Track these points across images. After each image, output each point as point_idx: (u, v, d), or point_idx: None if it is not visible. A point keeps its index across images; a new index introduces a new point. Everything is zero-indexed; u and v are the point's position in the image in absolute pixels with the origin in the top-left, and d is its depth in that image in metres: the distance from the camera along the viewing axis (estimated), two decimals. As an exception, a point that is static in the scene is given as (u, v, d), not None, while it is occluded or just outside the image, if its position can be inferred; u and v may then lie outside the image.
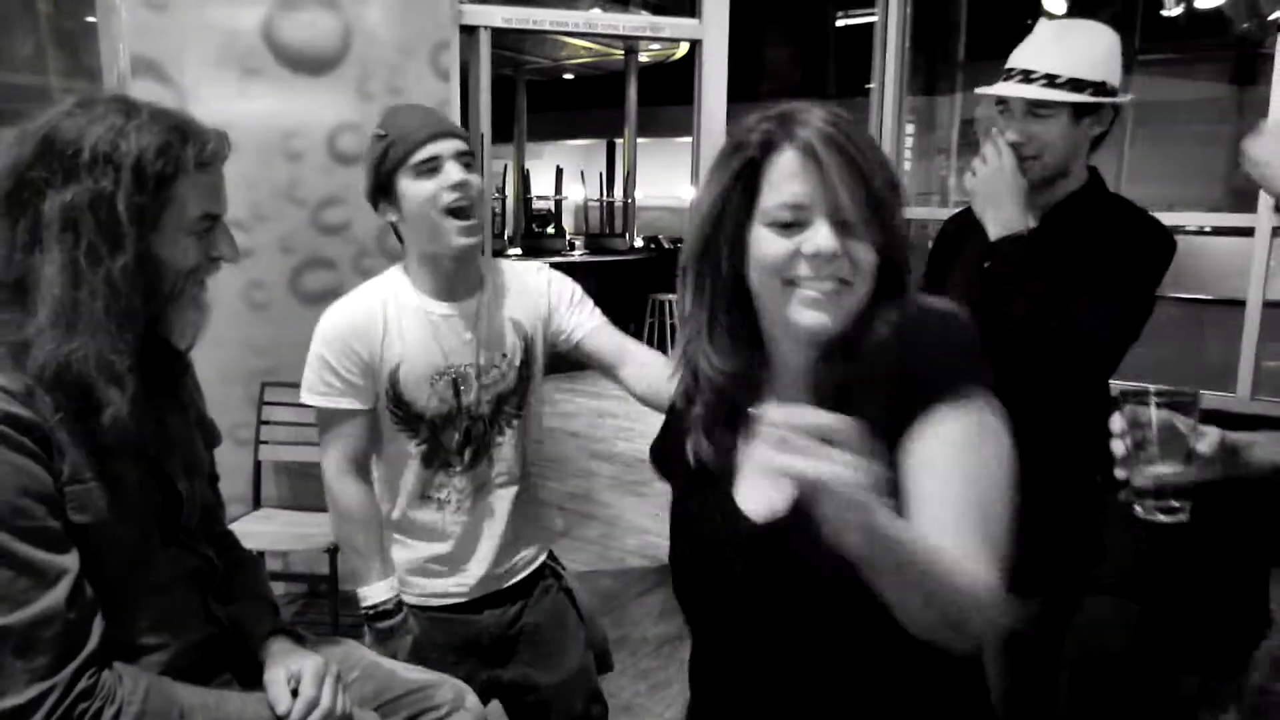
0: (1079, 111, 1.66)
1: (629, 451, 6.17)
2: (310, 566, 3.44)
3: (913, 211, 4.49)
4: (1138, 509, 1.20)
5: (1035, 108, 1.66)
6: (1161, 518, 1.18)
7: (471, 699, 1.60)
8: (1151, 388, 1.17)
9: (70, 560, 1.14)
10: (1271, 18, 6.53)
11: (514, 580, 1.87)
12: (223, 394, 3.38)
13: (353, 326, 1.67)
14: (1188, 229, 5.98)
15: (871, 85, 4.42)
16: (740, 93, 4.13)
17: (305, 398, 1.70)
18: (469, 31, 3.56)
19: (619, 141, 13.66)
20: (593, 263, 10.19)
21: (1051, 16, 1.79)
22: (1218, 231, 5.57)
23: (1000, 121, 1.72)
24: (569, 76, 14.10)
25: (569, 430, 6.73)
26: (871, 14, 4.46)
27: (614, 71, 12.55)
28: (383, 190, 1.65)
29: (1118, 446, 1.20)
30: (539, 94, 13.93)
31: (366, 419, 1.70)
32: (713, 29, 3.80)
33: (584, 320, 1.85)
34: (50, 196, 1.14)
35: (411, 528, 1.80)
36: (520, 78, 12.86)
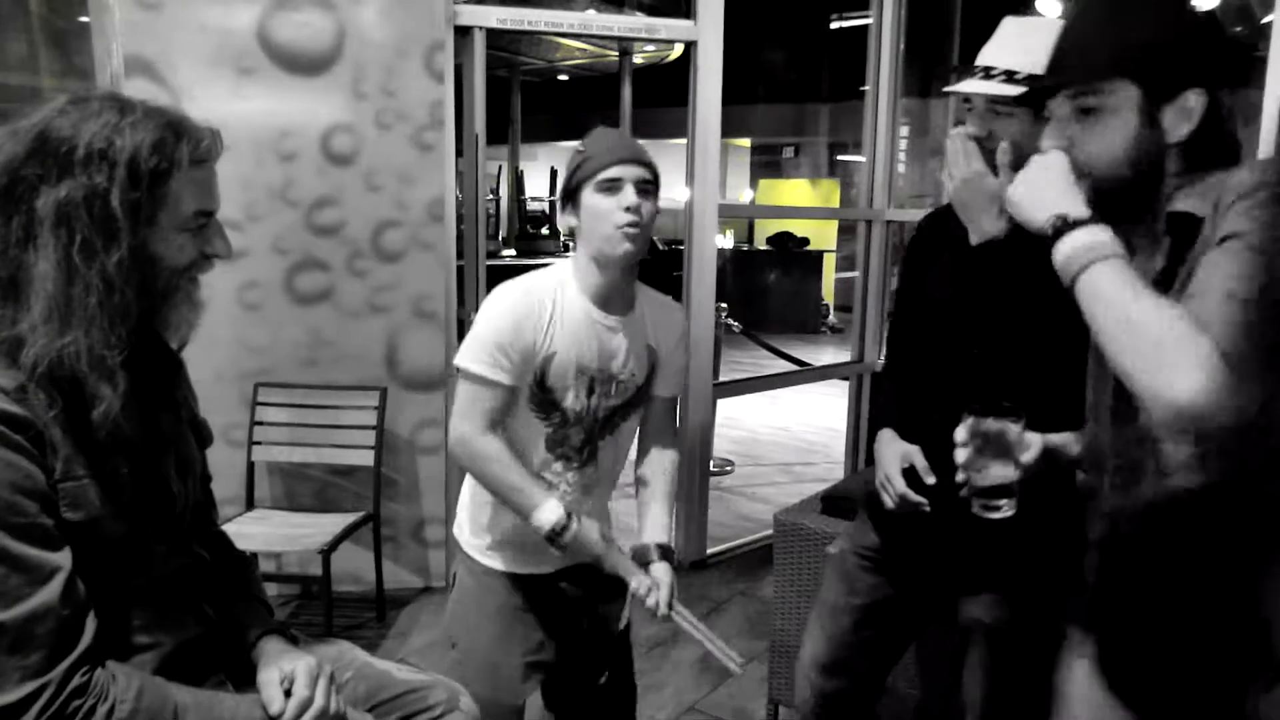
0: (1039, 108, 1.68)
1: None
2: (303, 567, 3.44)
3: (908, 214, 4.51)
4: (973, 507, 1.44)
5: (995, 104, 1.69)
6: (991, 515, 1.43)
7: (465, 700, 1.60)
8: (993, 404, 1.41)
9: (63, 558, 1.14)
10: (1263, 21, 6.55)
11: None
12: (216, 394, 3.38)
13: (529, 308, 1.80)
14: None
15: (866, 87, 4.43)
16: (735, 95, 4.13)
17: (467, 364, 1.80)
18: (463, 32, 3.55)
19: (613, 143, 13.63)
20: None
21: (1027, 12, 1.78)
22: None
23: (966, 120, 1.75)
24: (564, 78, 14.09)
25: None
26: (866, 16, 4.47)
27: (609, 73, 12.54)
28: (569, 197, 1.82)
29: (960, 454, 1.39)
30: (534, 95, 13.91)
31: (511, 394, 1.81)
32: (708, 31, 3.80)
33: (672, 389, 2.04)
34: (44, 193, 1.14)
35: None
36: (515, 79, 12.84)
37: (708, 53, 3.82)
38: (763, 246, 13.91)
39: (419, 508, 3.73)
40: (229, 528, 2.86)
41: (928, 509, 1.75)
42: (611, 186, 1.76)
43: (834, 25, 12.22)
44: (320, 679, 1.35)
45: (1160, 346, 1.01)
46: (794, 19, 13.23)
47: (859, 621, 1.99)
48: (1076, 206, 1.19)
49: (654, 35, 4.03)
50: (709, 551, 4.22)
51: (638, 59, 11.80)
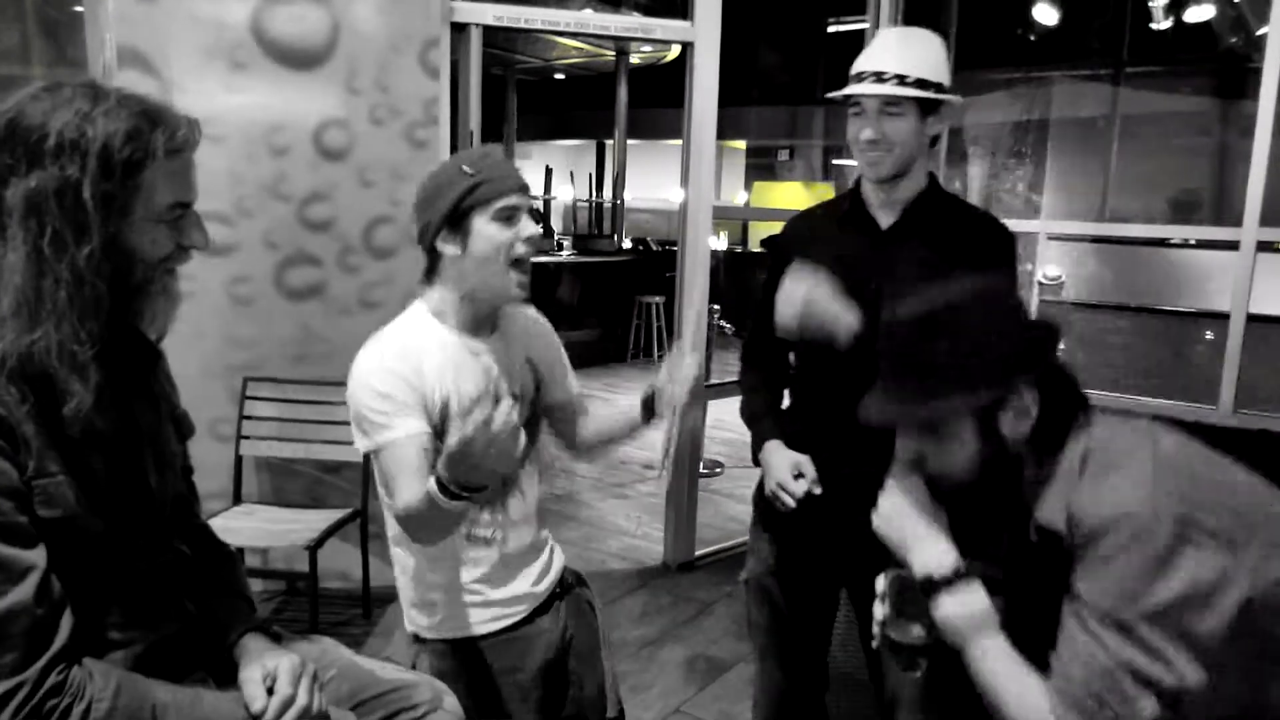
0: (924, 110, 1.81)
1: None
2: (289, 563, 3.43)
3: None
4: (894, 661, 1.41)
5: (888, 106, 1.79)
6: (904, 671, 1.40)
7: (450, 700, 1.59)
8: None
9: (37, 556, 1.12)
10: (1259, 33, 6.57)
11: (550, 587, 1.89)
12: (204, 388, 3.37)
13: (401, 361, 1.64)
14: (1172, 241, 6.02)
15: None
16: (731, 97, 4.13)
17: (365, 443, 1.63)
18: (459, 29, 3.54)
19: (609, 143, 13.65)
20: (580, 263, 10.18)
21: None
22: (1202, 245, 5.61)
23: (852, 124, 1.86)
24: (560, 77, 14.09)
25: (550, 432, 6.70)
26: (863, 21, 4.47)
27: (605, 73, 12.55)
28: (452, 223, 1.65)
29: (878, 610, 1.39)
30: (529, 94, 13.92)
31: (430, 439, 1.62)
32: (705, 32, 3.80)
33: (573, 385, 1.99)
34: (14, 184, 1.12)
35: (460, 561, 1.79)
36: (511, 77, 12.84)
37: (704, 54, 3.81)
38: (756, 249, 13.91)
39: (407, 505, 3.71)
40: (215, 523, 2.85)
41: (818, 491, 1.87)
42: (511, 216, 1.65)
43: (831, 29, 12.22)
44: (303, 677, 1.34)
45: None
46: (791, 21, 13.24)
47: (793, 631, 2.09)
48: (941, 556, 1.29)
49: (650, 35, 4.03)
50: (697, 553, 4.21)
51: (634, 59, 11.79)
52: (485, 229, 1.65)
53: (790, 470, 1.88)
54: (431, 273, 1.73)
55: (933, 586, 1.27)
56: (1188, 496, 1.16)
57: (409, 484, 1.57)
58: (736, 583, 3.94)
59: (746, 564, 2.15)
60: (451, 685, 1.68)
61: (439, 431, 1.65)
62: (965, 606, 1.24)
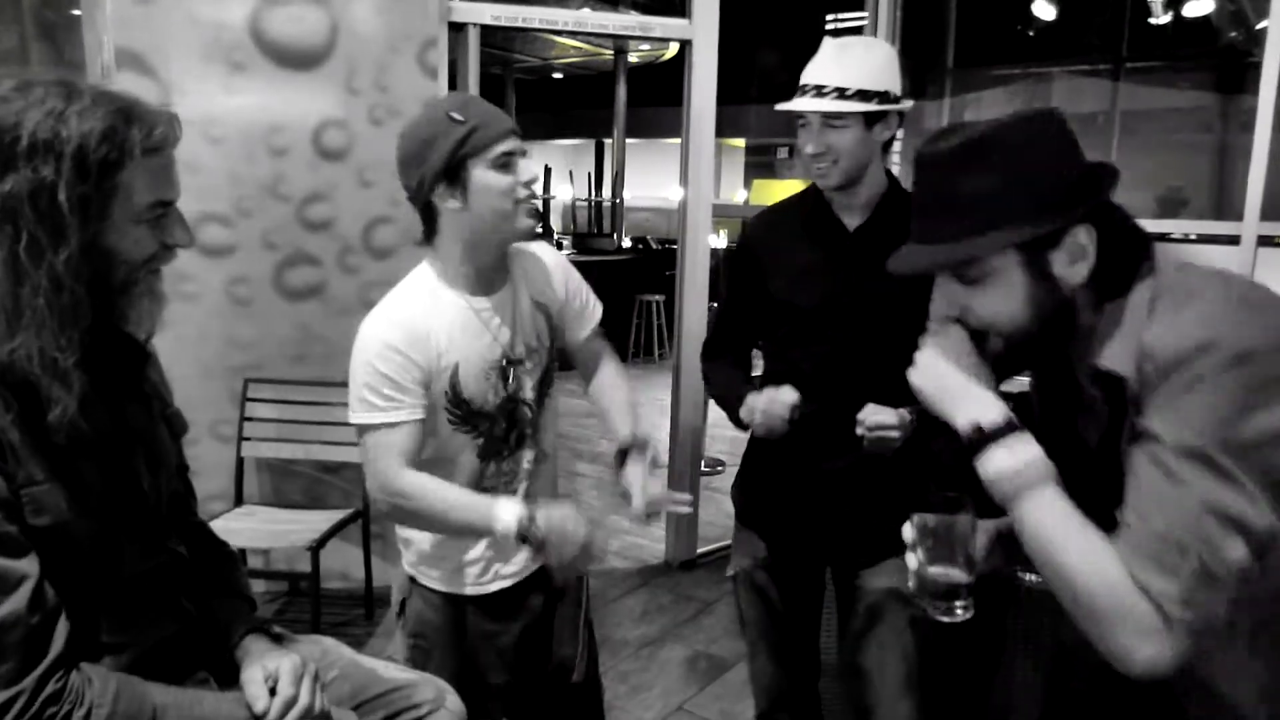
0: (869, 120, 1.81)
1: (612, 452, 6.14)
2: (291, 564, 3.43)
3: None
4: (928, 610, 1.30)
5: (830, 119, 1.80)
6: (945, 619, 1.28)
7: (452, 699, 1.59)
8: (942, 497, 1.27)
9: (29, 565, 1.11)
10: (1258, 27, 6.57)
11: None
12: (205, 389, 3.37)
13: (406, 335, 1.64)
14: (1172, 236, 6.01)
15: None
16: (730, 95, 4.12)
17: (360, 418, 1.64)
18: (457, 28, 3.54)
19: (608, 142, 13.64)
20: (580, 262, 10.04)
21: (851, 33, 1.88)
22: (1203, 239, 5.60)
23: (800, 135, 1.86)
24: (558, 76, 14.08)
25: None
26: (861, 17, 4.47)
27: (603, 71, 12.54)
28: (450, 174, 1.61)
29: (910, 559, 1.29)
30: (528, 93, 13.90)
31: (421, 426, 1.66)
32: (703, 30, 3.79)
33: (586, 326, 1.94)
34: None
35: None
36: (509, 76, 12.83)
37: (702, 52, 3.81)
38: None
39: (408, 505, 3.71)
40: (217, 524, 2.84)
41: (803, 408, 1.83)
42: (507, 162, 1.62)
43: (829, 26, 12.22)
44: (305, 677, 1.33)
45: (1108, 617, 1.02)
46: (789, 19, 13.22)
47: (785, 623, 2.10)
48: (989, 407, 1.13)
49: (649, 34, 4.02)
50: (699, 551, 4.22)
51: (632, 58, 11.78)
52: (484, 177, 1.61)
53: (767, 398, 1.84)
54: (431, 231, 1.71)
55: (982, 439, 1.11)
56: (1274, 328, 1.03)
57: (388, 468, 1.62)
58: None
59: (732, 560, 2.16)
60: (432, 636, 1.81)
61: (450, 396, 1.68)
62: (1018, 457, 1.09)
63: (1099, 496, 1.08)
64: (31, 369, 1.09)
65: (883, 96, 1.80)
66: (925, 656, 1.93)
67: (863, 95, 1.78)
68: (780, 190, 15.37)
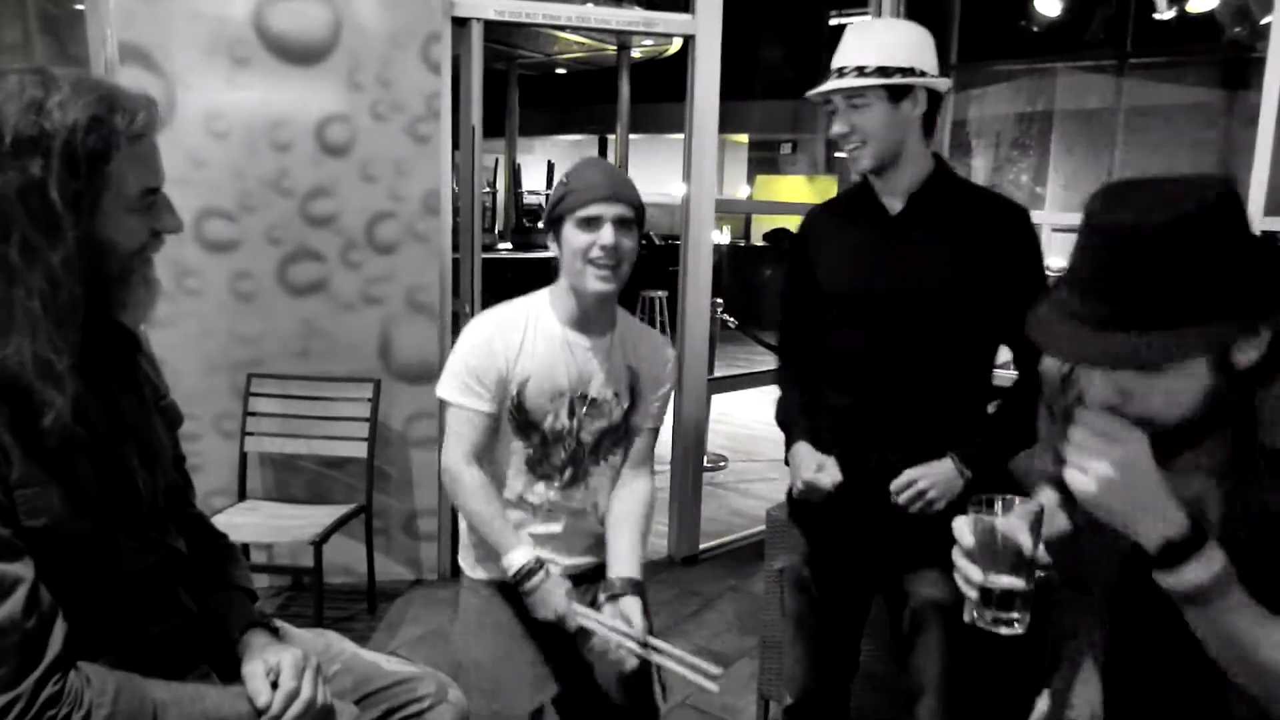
0: (893, 96, 1.81)
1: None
2: (294, 558, 3.44)
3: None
4: (977, 619, 1.21)
5: (852, 99, 1.82)
6: (1001, 630, 1.19)
7: (454, 692, 1.60)
8: (998, 498, 1.18)
9: (24, 568, 1.09)
10: (1263, 22, 6.55)
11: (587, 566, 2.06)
12: (208, 384, 3.37)
13: (499, 336, 1.88)
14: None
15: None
16: (733, 91, 4.12)
17: (444, 393, 1.90)
18: (461, 24, 3.54)
19: (611, 138, 13.63)
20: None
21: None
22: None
23: (831, 121, 1.88)
24: (561, 71, 14.05)
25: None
26: (865, 13, 4.46)
27: (607, 67, 12.51)
28: (552, 227, 1.88)
29: (960, 561, 1.22)
30: (531, 88, 13.87)
31: (492, 420, 1.89)
32: (706, 26, 3.79)
33: (648, 421, 2.04)
34: None
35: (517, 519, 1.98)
36: (512, 72, 12.80)
37: (705, 47, 3.81)
38: (759, 242, 13.90)
39: (411, 500, 3.73)
40: (220, 519, 2.85)
41: (840, 479, 1.88)
42: (591, 223, 1.81)
43: (832, 21, 12.20)
44: (307, 670, 1.33)
45: None
46: (792, 15, 13.20)
47: (824, 621, 2.10)
48: (1179, 521, 1.02)
49: (652, 29, 4.01)
50: (701, 547, 4.22)
51: (636, 53, 11.77)
52: (570, 234, 1.83)
53: (815, 466, 1.91)
54: (558, 267, 1.93)
55: (1174, 554, 1.02)
56: None
57: (456, 453, 1.89)
58: (741, 577, 3.96)
59: (779, 554, 2.17)
60: (483, 613, 1.95)
61: (517, 402, 1.88)
62: (1211, 571, 1.00)
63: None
64: (24, 374, 1.07)
65: (905, 72, 1.80)
66: (967, 666, 1.92)
67: (882, 72, 1.79)
68: (783, 186, 15.35)
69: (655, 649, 1.79)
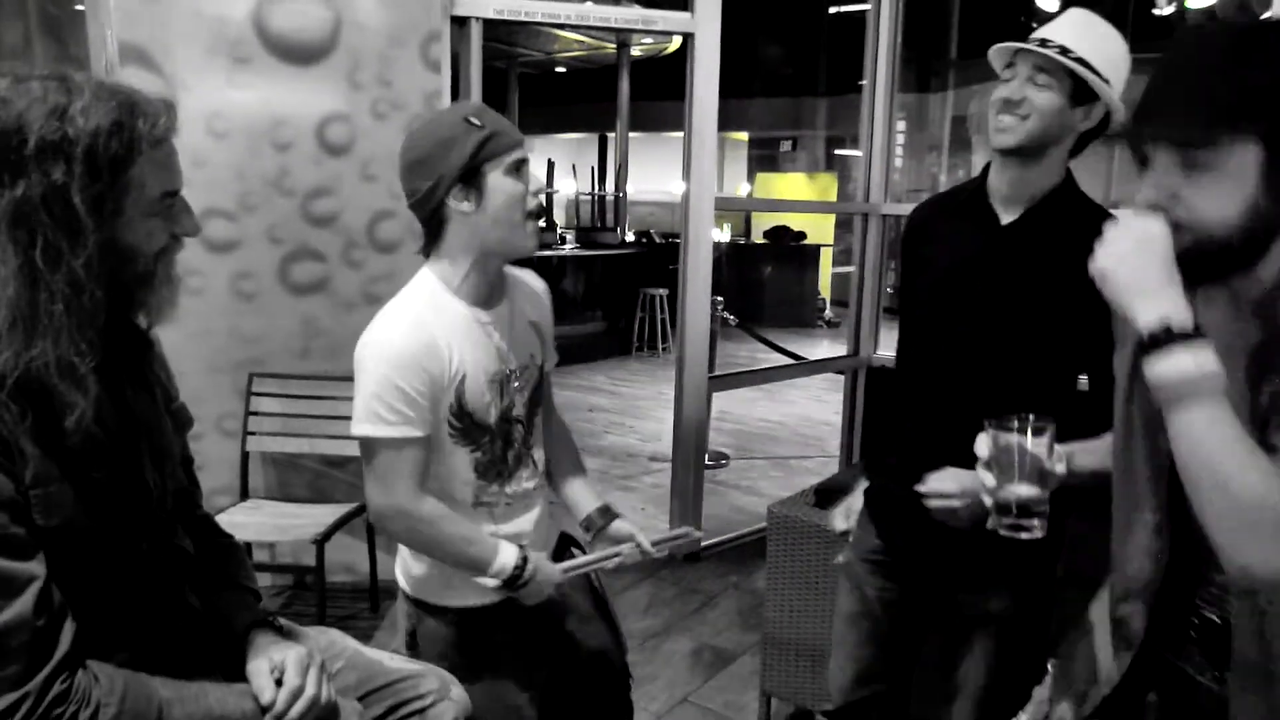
0: (1077, 95, 1.68)
1: (617, 445, 6.17)
2: (297, 557, 3.44)
3: (904, 208, 4.50)
4: (998, 527, 1.32)
5: (1039, 73, 1.67)
6: (1020, 535, 1.31)
7: (456, 690, 1.60)
8: (1014, 417, 1.30)
9: (36, 566, 1.10)
10: (1263, 17, 6.55)
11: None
12: (210, 384, 3.38)
13: (422, 345, 1.63)
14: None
15: (864, 82, 4.43)
16: (732, 88, 4.13)
17: (368, 430, 1.62)
18: (460, 22, 3.54)
19: (611, 136, 13.64)
20: (584, 256, 10.16)
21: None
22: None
23: (1000, 87, 1.72)
24: (561, 70, 14.07)
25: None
26: (864, 4, 4.46)
27: (606, 65, 12.53)
28: (468, 178, 1.62)
29: (982, 473, 1.31)
30: (531, 87, 13.89)
31: (428, 443, 1.67)
32: (705, 23, 3.79)
33: (551, 359, 1.93)
34: None
35: None
36: (512, 70, 12.82)
37: (705, 45, 3.81)
38: (759, 240, 13.91)
39: (413, 499, 3.72)
40: (222, 518, 2.85)
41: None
42: (520, 168, 1.64)
43: (832, 9, 12.20)
44: (311, 667, 1.34)
45: (1255, 519, 0.97)
46: (792, 13, 13.21)
47: (877, 623, 2.01)
48: (1180, 309, 1.04)
49: (651, 27, 4.02)
50: (704, 544, 4.22)
51: (635, 51, 11.76)
52: (500, 183, 1.63)
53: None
54: (436, 238, 1.71)
55: (1167, 338, 1.02)
56: None
57: (406, 490, 1.64)
58: (743, 574, 3.96)
59: (846, 547, 2.10)
60: (450, 653, 1.76)
61: (454, 408, 1.68)
62: (1200, 364, 1.01)
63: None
64: (49, 376, 1.08)
65: (1103, 80, 1.67)
66: (1012, 680, 1.80)
67: (1083, 64, 1.66)
68: (783, 184, 15.35)
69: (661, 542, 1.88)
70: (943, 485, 1.67)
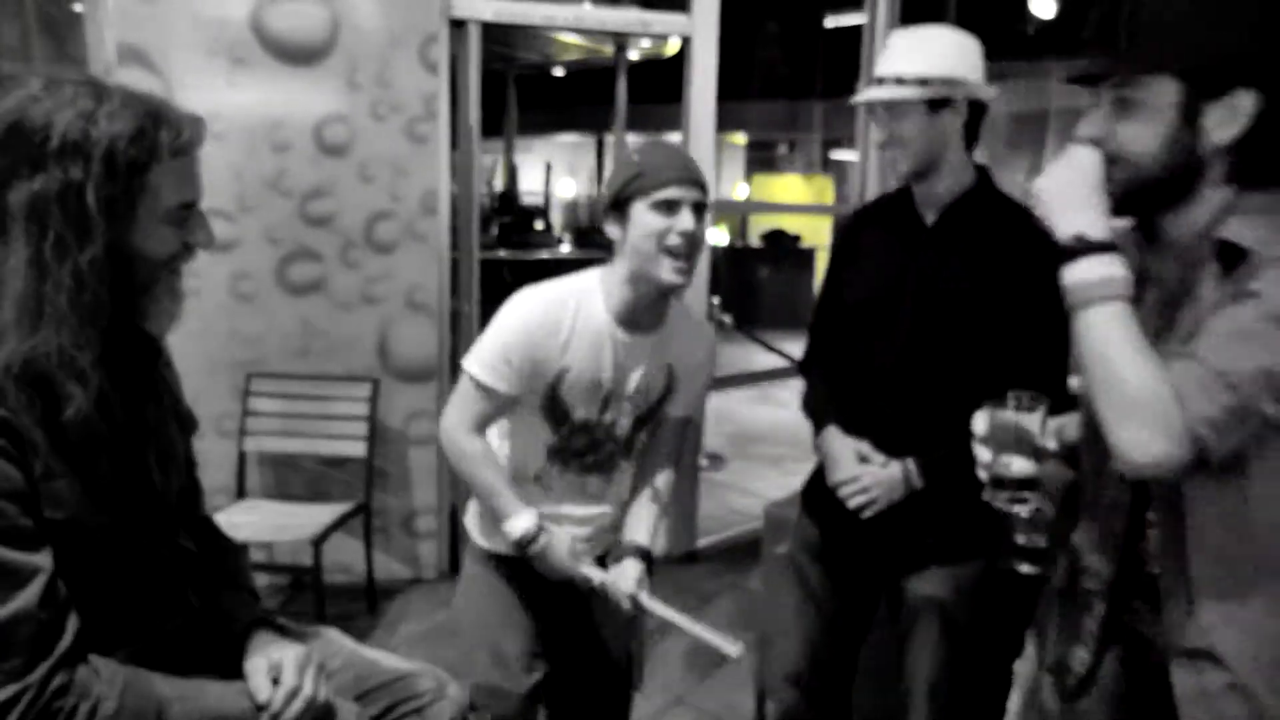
0: (932, 106, 1.78)
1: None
2: (294, 557, 3.44)
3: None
4: (994, 502, 1.38)
5: (891, 107, 1.80)
6: (1016, 509, 1.37)
7: (453, 689, 1.61)
8: (1010, 395, 1.36)
9: (43, 559, 1.11)
10: None
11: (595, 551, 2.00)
12: (208, 384, 3.38)
13: (547, 327, 1.77)
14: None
15: (860, 84, 4.44)
16: (730, 91, 4.13)
17: (470, 363, 1.80)
18: (459, 25, 3.55)
19: (609, 138, 13.64)
20: (581, 258, 10.18)
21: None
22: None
23: (874, 124, 1.87)
24: (559, 72, 14.05)
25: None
26: (860, 15, 4.47)
27: (604, 68, 12.52)
28: (617, 208, 1.75)
29: (980, 449, 1.38)
30: (529, 89, 13.86)
31: (509, 402, 1.82)
32: (703, 26, 3.81)
33: (680, 410, 1.98)
34: (17, 187, 1.09)
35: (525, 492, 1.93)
36: (510, 73, 12.80)
37: (702, 48, 3.82)
38: (756, 243, 13.91)
39: (410, 499, 3.74)
40: (220, 518, 2.85)
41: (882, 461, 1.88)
42: (669, 207, 1.71)
43: (828, 23, 12.21)
44: (308, 667, 1.35)
45: (1137, 406, 1.06)
46: (789, 15, 13.22)
47: (820, 610, 2.07)
48: (1097, 224, 1.15)
49: (649, 30, 4.02)
50: (699, 544, 4.23)
51: (633, 54, 11.78)
52: (643, 216, 1.72)
53: (854, 459, 1.89)
54: (611, 250, 1.83)
55: (1081, 248, 1.14)
56: None
57: (461, 423, 1.83)
58: (739, 574, 3.97)
59: (787, 540, 2.16)
60: (489, 580, 1.94)
61: (548, 391, 1.80)
62: (1107, 271, 1.12)
63: None
64: (50, 366, 1.10)
65: (946, 82, 1.77)
66: (959, 667, 1.91)
67: (921, 82, 1.76)
68: (780, 186, 15.36)
69: (659, 609, 1.84)
70: (864, 479, 1.83)
